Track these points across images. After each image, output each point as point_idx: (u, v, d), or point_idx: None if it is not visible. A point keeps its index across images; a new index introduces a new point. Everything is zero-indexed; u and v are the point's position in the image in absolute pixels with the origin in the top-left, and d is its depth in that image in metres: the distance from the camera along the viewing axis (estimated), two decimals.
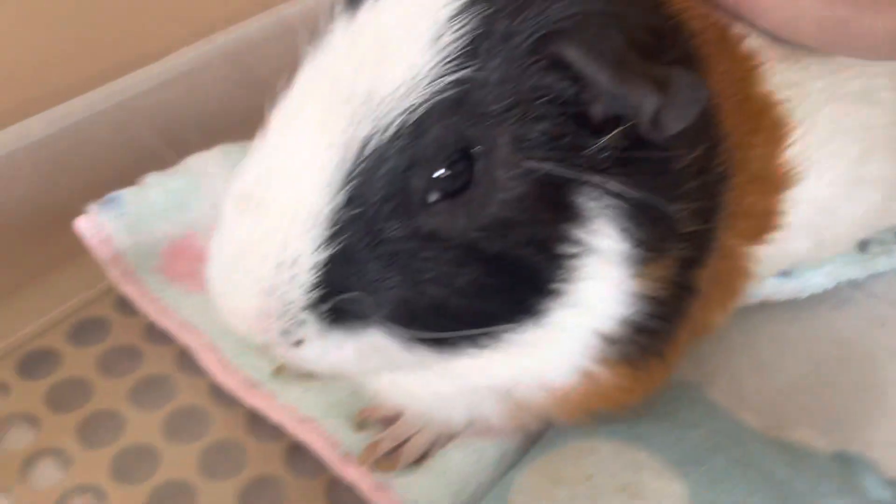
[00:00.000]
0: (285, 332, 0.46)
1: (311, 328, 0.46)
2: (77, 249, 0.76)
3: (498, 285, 0.47)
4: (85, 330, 0.77)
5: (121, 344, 0.76)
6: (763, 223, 0.65)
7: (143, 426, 0.69)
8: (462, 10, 0.45)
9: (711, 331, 0.69)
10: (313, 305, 0.45)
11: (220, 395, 0.71)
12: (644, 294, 0.51)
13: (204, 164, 0.77)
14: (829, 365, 0.75)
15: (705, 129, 0.54)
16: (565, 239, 0.47)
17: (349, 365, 0.48)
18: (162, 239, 0.76)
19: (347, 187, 0.44)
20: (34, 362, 0.74)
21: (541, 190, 0.46)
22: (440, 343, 0.48)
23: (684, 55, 0.53)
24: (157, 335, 0.76)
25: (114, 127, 0.78)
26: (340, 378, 0.66)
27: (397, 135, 0.44)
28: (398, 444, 0.63)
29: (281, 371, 0.69)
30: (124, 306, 0.78)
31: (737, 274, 0.66)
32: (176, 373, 0.74)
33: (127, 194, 0.73)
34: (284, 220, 0.45)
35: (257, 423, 0.69)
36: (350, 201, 0.44)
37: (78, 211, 0.74)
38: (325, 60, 0.47)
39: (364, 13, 0.47)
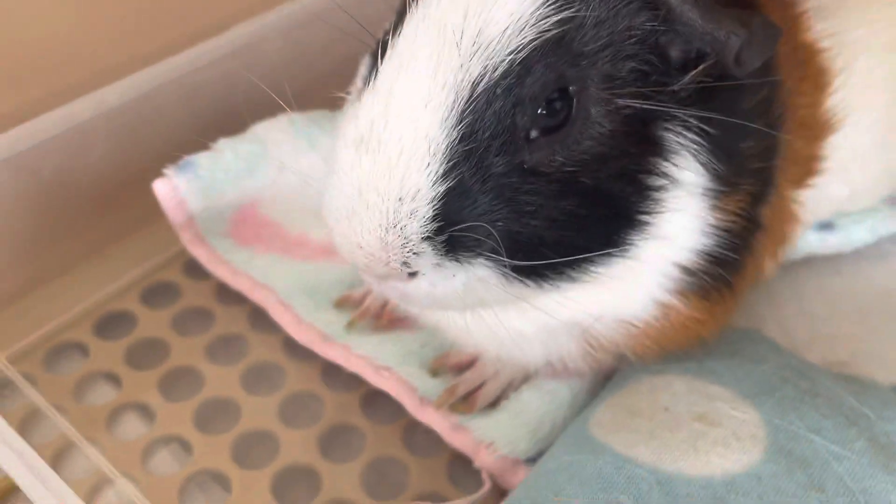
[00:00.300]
0: (405, 263, 0.48)
1: (428, 259, 0.48)
2: (148, 216, 0.79)
3: (592, 217, 0.50)
4: (157, 293, 0.80)
5: (193, 306, 0.79)
6: (807, 168, 0.68)
7: (221, 381, 0.72)
8: None
9: (761, 277, 0.72)
10: (431, 237, 0.47)
11: (293, 351, 0.74)
12: (720, 226, 0.55)
13: (270, 131, 0.80)
14: (874, 315, 0.78)
15: (768, 73, 0.57)
16: (652, 172, 0.50)
17: (453, 298, 0.51)
18: (231, 204, 0.79)
19: (461, 125, 0.47)
20: (111, 324, 0.77)
21: (630, 125, 0.49)
22: (535, 276, 0.51)
23: (745, 2, 0.57)
24: (227, 297, 0.79)
25: (181, 96, 0.80)
26: (419, 327, 0.69)
27: (505, 74, 0.47)
28: (474, 388, 0.66)
29: (353, 325, 0.72)
30: (194, 270, 0.81)
31: (786, 217, 0.69)
32: (248, 331, 0.77)
33: (202, 158, 0.76)
34: (404, 157, 0.47)
35: (331, 375, 0.72)
36: (463, 138, 0.47)
37: (148, 178, 0.76)
38: (431, 9, 0.49)
39: None
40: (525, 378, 0.67)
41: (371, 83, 0.50)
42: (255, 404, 0.70)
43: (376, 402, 0.70)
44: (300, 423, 0.69)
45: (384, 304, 0.72)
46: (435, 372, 0.68)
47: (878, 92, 0.71)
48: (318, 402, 0.71)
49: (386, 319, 0.72)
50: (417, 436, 0.68)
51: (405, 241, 0.47)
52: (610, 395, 0.62)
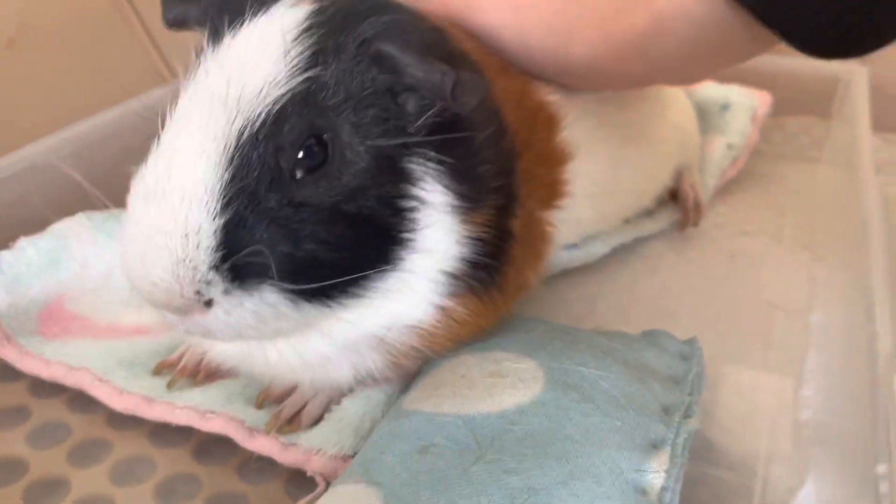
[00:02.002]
0: (198, 293, 0.56)
1: (218, 288, 0.56)
2: None
3: (360, 238, 0.60)
4: None
5: (6, 406, 0.79)
6: (553, 191, 0.84)
7: (45, 462, 0.72)
8: (302, 33, 0.61)
9: (528, 288, 0.85)
10: (217, 265, 0.56)
11: (119, 423, 0.76)
12: (472, 237, 0.66)
13: (69, 227, 0.85)
14: (625, 310, 0.95)
15: (493, 117, 0.72)
16: (404, 196, 0.62)
17: (249, 326, 0.58)
18: (37, 300, 0.82)
19: (231, 167, 0.57)
20: None
21: (379, 161, 0.61)
22: (321, 296, 0.60)
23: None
24: (42, 391, 0.79)
25: None
26: (237, 375, 0.75)
27: (263, 124, 0.57)
28: (298, 410, 0.72)
29: (173, 384, 0.76)
30: (3, 373, 0.81)
31: (540, 237, 0.84)
32: (69, 415, 0.78)
33: (3, 255, 0.79)
34: (185, 200, 0.56)
35: (159, 436, 0.75)
36: (234, 178, 0.57)
37: None
38: (201, 81, 0.60)
39: (226, 44, 0.62)
40: (342, 395, 0.74)
41: (155, 147, 0.59)
42: (82, 477, 0.71)
43: (208, 449, 0.73)
44: (132, 482, 0.71)
45: (199, 361, 0.77)
46: (260, 405, 0.74)
47: (608, 133, 0.90)
48: (148, 462, 0.73)
49: (203, 374, 0.77)
50: (251, 471, 0.72)
51: (195, 272, 0.55)
52: (418, 382, 0.71)
